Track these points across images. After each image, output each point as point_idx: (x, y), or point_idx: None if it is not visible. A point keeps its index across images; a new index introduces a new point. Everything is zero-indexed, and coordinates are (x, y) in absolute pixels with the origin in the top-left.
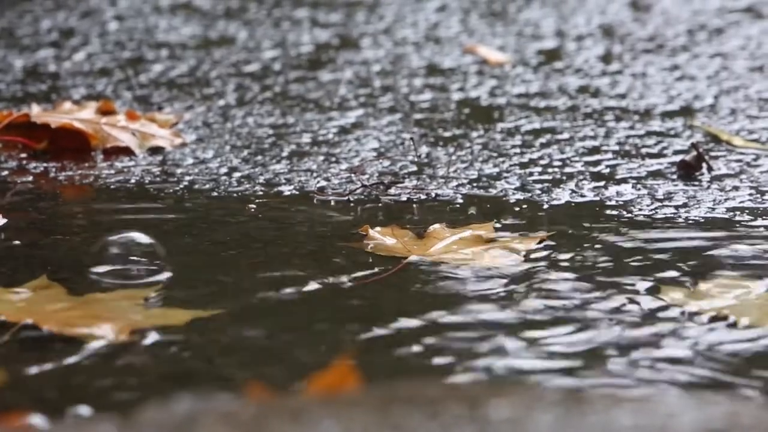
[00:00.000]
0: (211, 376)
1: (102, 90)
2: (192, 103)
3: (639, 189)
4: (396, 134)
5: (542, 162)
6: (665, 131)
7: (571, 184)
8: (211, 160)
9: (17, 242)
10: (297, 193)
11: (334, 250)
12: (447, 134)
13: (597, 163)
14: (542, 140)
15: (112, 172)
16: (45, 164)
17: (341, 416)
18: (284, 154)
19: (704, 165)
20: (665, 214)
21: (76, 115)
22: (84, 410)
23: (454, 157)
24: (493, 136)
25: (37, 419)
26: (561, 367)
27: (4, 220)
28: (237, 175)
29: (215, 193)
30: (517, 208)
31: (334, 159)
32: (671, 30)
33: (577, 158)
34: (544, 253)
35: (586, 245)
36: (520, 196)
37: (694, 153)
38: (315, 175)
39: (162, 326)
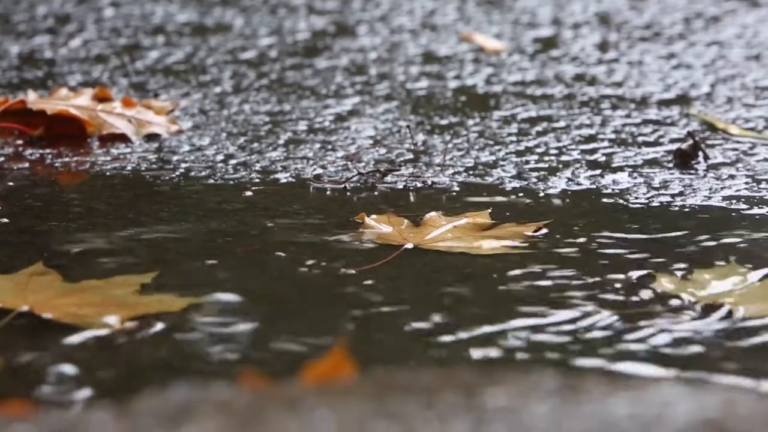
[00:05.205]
0: (207, 364)
1: (98, 77)
2: (188, 90)
3: (635, 177)
4: (392, 122)
5: (538, 150)
6: (661, 119)
7: (568, 173)
8: (207, 147)
9: (13, 229)
10: (293, 180)
11: (330, 237)
12: (443, 122)
13: (593, 151)
14: (538, 128)
15: (108, 158)
16: (41, 151)
17: (336, 405)
18: (280, 141)
19: (700, 153)
20: (661, 202)
21: (72, 101)
22: (79, 398)
23: (450, 145)
24: (490, 124)
25: (32, 406)
26: (556, 355)
27: (0, 207)
28: (233, 162)
29: (211, 181)
30: (513, 196)
31: (330, 146)
32: (668, 18)
33: (573, 146)
34: (540, 241)
35: (581, 233)
36: (516, 184)
37: (691, 141)
38: (311, 162)
39: (157, 313)
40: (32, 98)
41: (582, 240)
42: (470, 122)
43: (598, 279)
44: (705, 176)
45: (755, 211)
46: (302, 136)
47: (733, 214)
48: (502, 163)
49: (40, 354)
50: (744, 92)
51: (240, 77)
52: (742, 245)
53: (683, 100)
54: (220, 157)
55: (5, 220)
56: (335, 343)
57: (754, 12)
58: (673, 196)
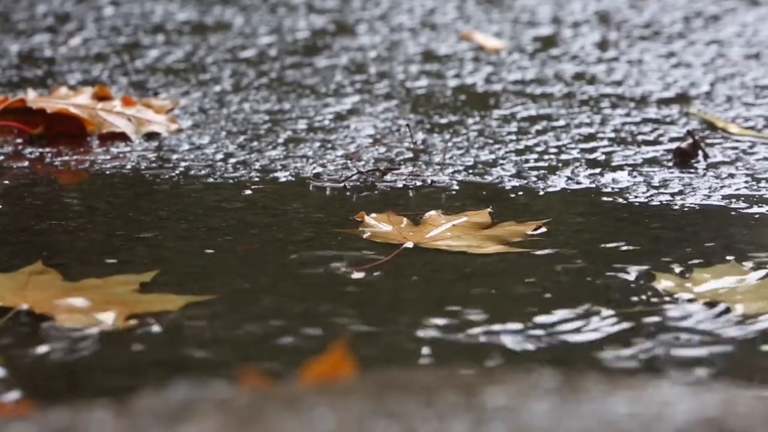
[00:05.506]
0: (207, 363)
1: (98, 75)
2: (188, 89)
3: (635, 176)
4: (392, 121)
5: (538, 149)
6: (661, 118)
7: (567, 171)
8: (206, 146)
9: (13, 227)
10: (293, 179)
11: (329, 236)
12: (443, 121)
13: (593, 150)
14: (538, 127)
15: (108, 157)
16: (41, 149)
17: (336, 404)
18: (280, 140)
19: (700, 152)
20: (661, 201)
21: (71, 100)
22: (79, 396)
23: (450, 144)
24: (489, 122)
25: (32, 405)
26: (555, 354)
27: (0, 205)
28: (233, 161)
29: (211, 179)
30: (512, 195)
31: (329, 145)
32: (667, 17)
33: (572, 145)
34: (540, 239)
35: (581, 232)
36: (515, 182)
37: (690, 140)
38: (311, 161)
39: (157, 312)
40: (32, 97)
41: (581, 239)
42: (470, 121)
43: (597, 278)
44: (704, 175)
45: (755, 209)
46: (302, 135)
47: (733, 212)
48: (501, 161)
49: (39, 353)
50: (743, 91)
51: (240, 76)
52: (741, 244)
53: (683, 98)
54: (219, 156)
55: (5, 218)
56: (335, 342)
57: (754, 11)
58: (672, 194)
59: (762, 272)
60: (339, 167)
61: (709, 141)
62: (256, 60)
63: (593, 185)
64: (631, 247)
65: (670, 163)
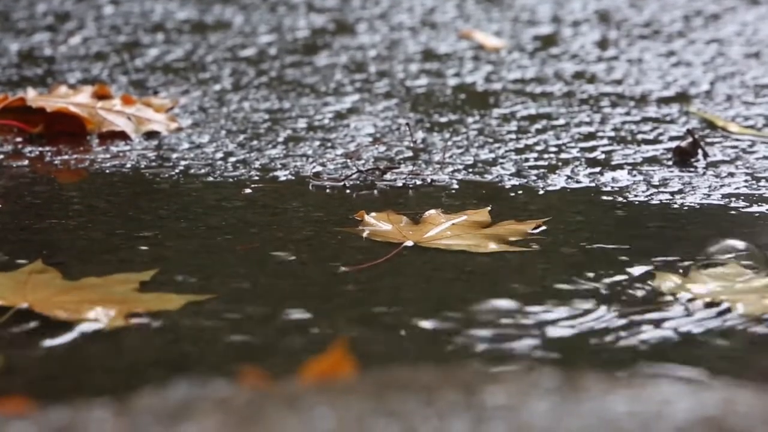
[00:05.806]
0: (206, 362)
1: (98, 74)
2: (188, 88)
3: (635, 175)
4: (392, 119)
5: (538, 148)
6: (661, 117)
7: (567, 170)
8: (206, 145)
9: (13, 226)
10: (292, 178)
11: (329, 235)
12: (443, 120)
13: (593, 149)
14: (538, 126)
15: (108, 156)
16: (40, 148)
17: (336, 403)
18: (280, 139)
19: (700, 151)
20: (661, 200)
21: (71, 99)
22: (79, 396)
23: (449, 143)
24: (489, 121)
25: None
26: (555, 353)
27: (0, 204)
28: (232, 159)
29: (210, 178)
30: (512, 194)
31: (329, 144)
32: (667, 16)
33: (572, 144)
34: (539, 238)
35: (581, 231)
36: (515, 181)
37: (690, 139)
38: (310, 160)
39: (157, 311)
40: (32, 96)
41: (581, 238)
42: (470, 120)
43: (597, 277)
44: (704, 174)
45: (754, 208)
46: (302, 134)
47: (733, 212)
48: (501, 160)
49: (39, 351)
50: (743, 90)
51: (239, 75)
52: (741, 243)
53: (683, 97)
54: (219, 155)
55: (4, 217)
56: (335, 341)
57: (754, 10)
58: (672, 193)
59: (762, 272)
60: (339, 166)
61: (708, 140)
62: (256, 59)
63: (593, 184)
64: (631, 247)
65: (670, 162)
